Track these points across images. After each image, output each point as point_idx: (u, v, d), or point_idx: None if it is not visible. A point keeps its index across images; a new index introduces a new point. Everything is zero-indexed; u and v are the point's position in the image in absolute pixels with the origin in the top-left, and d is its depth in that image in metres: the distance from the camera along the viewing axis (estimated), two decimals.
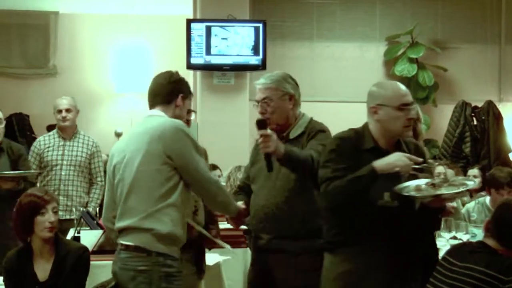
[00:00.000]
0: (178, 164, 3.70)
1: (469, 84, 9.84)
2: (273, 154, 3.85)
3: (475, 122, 9.42)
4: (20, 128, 8.92)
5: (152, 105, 3.96)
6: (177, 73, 4.08)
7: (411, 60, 9.37)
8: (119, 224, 3.79)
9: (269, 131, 3.87)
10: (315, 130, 4.09)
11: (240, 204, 4.10)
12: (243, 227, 5.49)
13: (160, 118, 3.85)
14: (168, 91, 3.96)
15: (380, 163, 3.56)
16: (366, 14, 9.73)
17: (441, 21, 9.83)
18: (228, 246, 4.36)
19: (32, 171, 6.23)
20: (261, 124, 3.90)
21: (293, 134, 4.13)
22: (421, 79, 9.31)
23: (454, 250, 3.65)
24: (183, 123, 3.83)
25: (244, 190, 4.36)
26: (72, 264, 4.21)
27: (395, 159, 3.57)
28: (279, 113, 4.11)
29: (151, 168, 3.70)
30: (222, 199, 3.89)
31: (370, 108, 3.81)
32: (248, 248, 5.53)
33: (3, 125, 6.21)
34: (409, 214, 3.66)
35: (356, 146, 3.71)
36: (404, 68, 9.34)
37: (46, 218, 4.20)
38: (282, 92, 4.13)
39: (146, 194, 3.70)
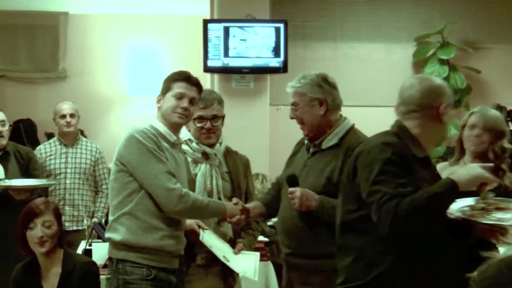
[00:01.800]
0: (130, 171, 3.85)
1: (504, 87, 9.81)
2: (303, 209, 3.91)
3: (511, 127, 9.39)
4: (29, 135, 8.97)
5: None
6: (178, 72, 4.21)
7: (442, 62, 9.36)
8: None
9: (297, 189, 3.91)
10: (354, 156, 3.70)
11: (231, 203, 4.15)
12: (264, 239, 5.54)
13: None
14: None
15: (460, 177, 3.08)
16: (392, 13, 9.74)
17: (473, 19, 9.81)
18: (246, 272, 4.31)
19: (46, 181, 6.21)
20: (290, 181, 3.97)
21: (326, 144, 4.06)
22: (453, 82, 9.30)
23: None
24: (142, 129, 3.97)
25: (270, 191, 4.41)
26: (79, 279, 4.26)
27: (477, 173, 3.10)
28: (308, 120, 4.07)
29: (112, 177, 3.95)
30: (174, 209, 3.82)
31: (431, 108, 3.35)
32: (269, 262, 5.54)
33: (6, 127, 6.20)
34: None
35: (409, 155, 3.23)
36: (434, 70, 9.33)
37: (34, 233, 4.24)
38: (310, 97, 4.07)
39: (110, 204, 3.99)
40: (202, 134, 4.35)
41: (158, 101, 4.06)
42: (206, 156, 4.33)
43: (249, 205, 4.27)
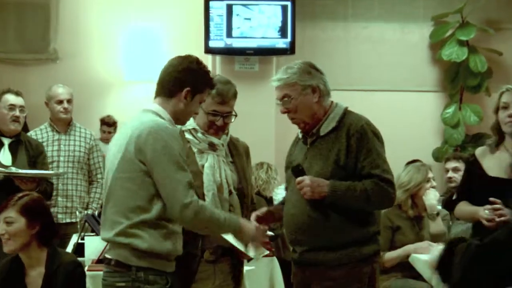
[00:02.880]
0: (150, 171, 3.61)
1: None
2: (316, 197, 3.96)
3: None
4: None
5: (155, 95, 3.90)
6: (195, 60, 3.90)
7: (461, 43, 9.30)
8: (101, 235, 3.82)
9: (305, 177, 3.98)
10: (359, 132, 4.01)
11: (245, 220, 4.01)
12: (269, 233, 5.51)
13: (149, 115, 3.75)
14: (172, 81, 3.81)
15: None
16: None
17: None
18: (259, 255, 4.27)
19: (51, 172, 6.17)
20: (296, 172, 4.03)
21: (324, 130, 4.11)
22: (473, 65, 9.24)
23: None
24: (165, 124, 3.65)
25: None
26: (63, 280, 4.22)
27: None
28: (302, 110, 4.11)
29: (125, 175, 3.66)
30: (187, 224, 3.71)
31: None
32: (274, 257, 5.53)
33: (24, 114, 6.18)
34: None
35: None
36: (452, 52, 9.27)
37: None
38: (302, 86, 4.10)
39: (119, 205, 3.67)
40: (211, 129, 4.27)
41: (185, 97, 3.72)
42: (213, 147, 4.27)
43: (273, 208, 4.41)
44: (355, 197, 3.90)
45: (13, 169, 5.59)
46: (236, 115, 4.32)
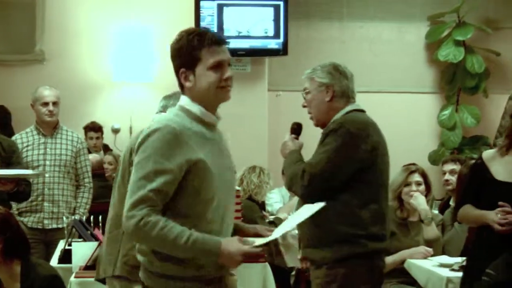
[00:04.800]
0: None
1: None
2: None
3: None
4: (2, 123, 8.91)
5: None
6: (181, 35, 3.49)
7: (458, 43, 9.32)
8: None
9: (287, 136, 4.43)
10: (329, 128, 4.18)
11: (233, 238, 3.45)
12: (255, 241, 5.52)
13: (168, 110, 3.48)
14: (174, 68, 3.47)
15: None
16: None
17: None
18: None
19: (31, 171, 6.11)
20: (292, 129, 4.46)
21: (325, 131, 4.25)
22: (469, 65, 9.26)
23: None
24: (166, 122, 3.22)
25: None
26: None
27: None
28: (315, 106, 4.33)
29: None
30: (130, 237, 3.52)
31: None
32: (267, 263, 5.54)
33: None
34: None
35: None
36: (449, 52, 9.29)
37: None
38: (318, 82, 4.32)
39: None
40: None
41: (185, 78, 3.34)
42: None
43: None
44: (290, 170, 4.24)
45: None
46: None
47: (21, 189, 5.64)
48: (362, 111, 4.32)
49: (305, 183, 4.07)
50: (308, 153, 4.26)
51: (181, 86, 3.40)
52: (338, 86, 4.30)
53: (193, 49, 3.36)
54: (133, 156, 3.47)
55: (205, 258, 3.19)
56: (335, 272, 4.07)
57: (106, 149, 9.30)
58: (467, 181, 4.62)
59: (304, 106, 4.37)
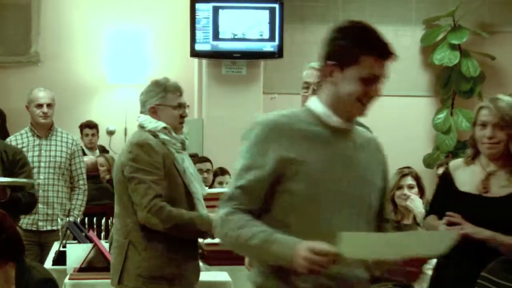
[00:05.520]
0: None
1: None
2: None
3: None
4: None
5: None
6: (355, 26, 3.02)
7: (453, 47, 9.34)
8: None
9: None
10: None
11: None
12: None
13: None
14: None
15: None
16: None
17: (488, 0, 9.79)
18: None
19: (21, 180, 5.84)
20: None
21: None
22: (465, 69, 9.29)
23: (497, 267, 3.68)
24: (268, 116, 3.01)
25: None
26: None
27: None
28: None
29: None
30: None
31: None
32: None
33: None
34: None
35: None
36: (444, 56, 9.31)
37: None
38: None
39: None
40: (180, 123, 4.41)
41: (330, 72, 2.90)
42: (183, 146, 4.40)
43: None
44: None
45: None
46: (188, 106, 4.53)
47: (15, 197, 5.35)
48: None
49: None
50: None
51: (321, 77, 2.98)
52: None
53: (356, 49, 2.88)
54: (125, 172, 3.73)
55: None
56: None
57: (103, 150, 9.32)
58: (434, 191, 4.42)
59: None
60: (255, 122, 2.93)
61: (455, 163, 4.26)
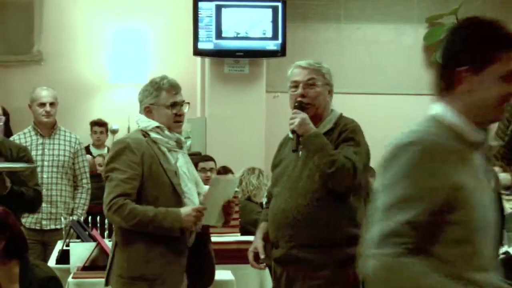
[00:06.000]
0: None
1: None
2: (298, 131, 4.08)
3: None
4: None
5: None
6: (477, 23, 2.75)
7: None
8: None
9: (302, 113, 4.12)
10: (348, 129, 4.16)
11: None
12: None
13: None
14: None
15: None
16: None
17: None
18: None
19: (14, 165, 5.63)
20: (298, 106, 4.17)
21: (322, 128, 4.23)
22: None
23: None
24: (422, 135, 2.62)
25: (267, 205, 4.48)
26: None
27: None
28: (320, 101, 4.26)
29: None
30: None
31: None
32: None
33: (1, 122, 5.73)
34: None
35: None
36: None
37: None
38: (327, 80, 4.31)
39: None
40: (176, 122, 4.38)
41: (462, 79, 2.54)
42: (180, 144, 4.37)
43: (260, 231, 4.39)
44: (325, 154, 4.00)
45: None
46: (188, 103, 4.49)
47: (18, 191, 5.21)
48: None
49: (354, 177, 4.01)
50: None
51: (447, 85, 2.66)
52: (332, 91, 4.35)
53: (490, 46, 2.53)
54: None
55: None
56: (342, 272, 4.02)
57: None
58: None
59: (302, 96, 4.20)
60: (402, 144, 2.55)
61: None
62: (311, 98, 4.23)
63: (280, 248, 4.19)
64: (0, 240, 4.14)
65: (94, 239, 5.28)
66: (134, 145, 4.15)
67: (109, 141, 9.62)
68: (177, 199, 4.16)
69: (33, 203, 5.47)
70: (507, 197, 5.92)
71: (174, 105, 4.32)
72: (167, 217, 4.03)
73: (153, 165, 4.15)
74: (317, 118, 4.22)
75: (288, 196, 4.17)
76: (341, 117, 4.29)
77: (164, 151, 4.24)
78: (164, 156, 4.22)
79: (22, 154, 5.55)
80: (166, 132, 4.30)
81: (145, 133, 4.24)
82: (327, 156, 3.98)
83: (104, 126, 9.37)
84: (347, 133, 4.13)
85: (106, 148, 9.26)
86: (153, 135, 4.25)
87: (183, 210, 4.06)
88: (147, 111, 4.30)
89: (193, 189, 4.28)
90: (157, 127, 4.27)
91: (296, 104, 4.19)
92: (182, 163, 4.31)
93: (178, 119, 4.38)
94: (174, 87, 4.35)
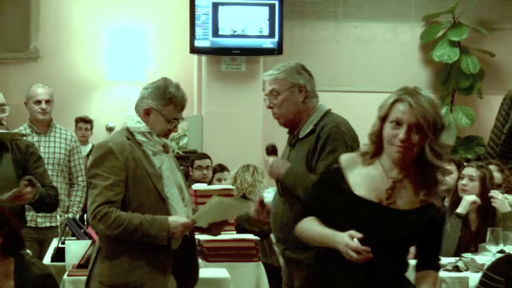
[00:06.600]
0: None
1: None
2: (274, 178, 4.24)
3: None
4: None
5: None
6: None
7: (453, 44, 9.33)
8: None
9: (270, 158, 4.26)
10: (325, 134, 4.15)
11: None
12: (255, 237, 5.55)
13: None
14: None
15: None
16: None
17: None
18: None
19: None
20: (269, 151, 4.31)
21: (303, 132, 4.27)
22: (464, 66, 9.27)
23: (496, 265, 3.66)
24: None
25: None
26: None
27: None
28: (286, 107, 4.29)
29: None
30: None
31: None
32: (260, 263, 5.54)
33: (6, 113, 5.65)
34: None
35: None
36: (444, 53, 9.30)
37: None
38: (291, 83, 4.28)
39: None
40: (166, 135, 4.25)
41: None
42: (166, 149, 4.23)
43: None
44: (302, 186, 4.08)
45: None
46: (183, 119, 4.41)
47: (44, 193, 5.02)
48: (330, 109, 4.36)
49: None
50: None
51: None
52: (309, 87, 4.31)
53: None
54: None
55: None
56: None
57: None
58: (313, 187, 3.68)
59: (269, 107, 4.34)
60: None
61: (348, 159, 3.42)
62: (277, 107, 4.30)
63: (279, 249, 4.40)
64: None
65: (90, 237, 5.26)
66: (117, 150, 3.96)
67: (104, 138, 9.61)
68: (162, 204, 4.00)
69: (56, 201, 5.36)
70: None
71: (173, 120, 4.15)
72: (153, 225, 3.88)
73: (138, 169, 3.99)
74: (294, 124, 4.29)
75: (278, 200, 4.31)
76: (325, 115, 4.27)
77: (148, 154, 4.07)
78: (148, 160, 4.05)
79: (31, 150, 5.34)
80: (155, 137, 4.14)
81: (130, 133, 4.08)
82: (304, 186, 4.04)
83: (90, 123, 9.34)
84: (322, 142, 4.13)
85: (90, 145, 9.22)
86: (139, 137, 4.08)
87: (171, 220, 3.92)
88: (146, 112, 4.08)
89: (176, 194, 4.10)
90: (148, 132, 4.09)
91: (267, 148, 4.36)
92: (167, 167, 4.14)
93: (169, 132, 4.24)
94: (182, 104, 4.17)
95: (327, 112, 4.30)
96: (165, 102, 4.06)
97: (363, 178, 3.29)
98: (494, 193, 5.69)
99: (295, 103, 4.26)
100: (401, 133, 3.17)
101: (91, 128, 9.37)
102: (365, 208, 3.21)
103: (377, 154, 3.31)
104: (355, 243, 3.09)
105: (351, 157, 3.39)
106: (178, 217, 3.95)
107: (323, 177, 3.52)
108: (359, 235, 3.09)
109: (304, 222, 3.43)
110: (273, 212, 4.36)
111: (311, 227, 3.39)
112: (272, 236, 6.80)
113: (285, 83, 4.27)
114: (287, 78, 4.28)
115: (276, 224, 4.32)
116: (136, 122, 4.09)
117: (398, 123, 3.20)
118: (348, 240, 3.10)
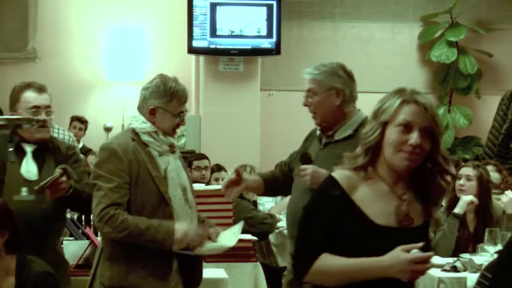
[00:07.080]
0: None
1: None
2: (314, 187, 3.91)
3: None
4: None
5: None
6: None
7: (451, 44, 9.33)
8: None
9: (309, 166, 4.09)
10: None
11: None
12: (253, 237, 5.53)
13: None
14: None
15: None
16: None
17: None
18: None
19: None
20: (303, 159, 4.18)
21: (339, 135, 4.21)
22: (462, 66, 9.28)
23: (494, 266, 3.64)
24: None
25: (274, 170, 4.63)
26: None
27: None
28: (322, 109, 4.21)
29: None
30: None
31: None
32: (258, 263, 5.54)
33: (52, 116, 5.25)
34: None
35: None
36: (442, 53, 9.30)
37: None
38: (328, 86, 4.21)
39: None
40: (174, 130, 4.21)
41: None
42: (172, 149, 4.20)
43: (249, 177, 4.50)
44: None
45: None
46: (187, 110, 4.35)
47: (79, 188, 4.50)
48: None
49: None
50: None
51: None
52: (348, 90, 4.25)
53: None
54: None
55: None
56: None
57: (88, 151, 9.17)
58: (316, 221, 3.00)
59: (305, 105, 4.25)
60: None
61: (347, 179, 2.91)
62: (313, 107, 4.23)
63: (291, 247, 4.20)
64: (4, 233, 4.12)
65: (88, 237, 5.26)
66: (121, 151, 3.92)
67: (103, 138, 9.60)
68: (165, 207, 3.97)
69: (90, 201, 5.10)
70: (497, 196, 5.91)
71: (180, 114, 4.11)
72: (159, 230, 3.84)
73: (141, 171, 3.96)
74: (329, 126, 4.23)
75: (298, 196, 4.21)
76: (364, 122, 4.08)
77: (154, 155, 4.04)
78: (152, 161, 4.02)
79: (71, 152, 4.94)
80: (161, 136, 4.11)
81: (136, 134, 4.03)
82: None
83: (85, 124, 9.33)
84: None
85: (81, 144, 9.20)
86: (144, 137, 4.04)
87: (178, 228, 3.88)
88: (151, 112, 4.03)
89: (179, 195, 4.06)
90: (154, 131, 4.05)
91: (300, 158, 4.25)
92: (173, 167, 4.10)
93: (177, 127, 4.26)
94: (185, 96, 4.16)
95: (366, 119, 4.14)
96: (168, 98, 4.04)
97: (373, 201, 2.89)
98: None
99: (331, 106, 4.20)
100: (413, 137, 2.82)
101: (85, 129, 9.35)
102: (389, 236, 2.83)
103: (368, 166, 2.93)
104: (419, 253, 2.73)
105: (346, 176, 2.93)
106: (184, 224, 3.92)
107: (328, 203, 2.95)
108: (418, 244, 2.74)
109: (323, 260, 2.86)
110: (291, 208, 4.28)
111: (336, 262, 2.85)
112: (271, 236, 6.82)
113: (323, 85, 4.22)
114: (325, 80, 4.23)
115: (292, 220, 4.22)
116: (141, 123, 4.06)
117: (406, 127, 2.86)
118: (409, 256, 2.71)
